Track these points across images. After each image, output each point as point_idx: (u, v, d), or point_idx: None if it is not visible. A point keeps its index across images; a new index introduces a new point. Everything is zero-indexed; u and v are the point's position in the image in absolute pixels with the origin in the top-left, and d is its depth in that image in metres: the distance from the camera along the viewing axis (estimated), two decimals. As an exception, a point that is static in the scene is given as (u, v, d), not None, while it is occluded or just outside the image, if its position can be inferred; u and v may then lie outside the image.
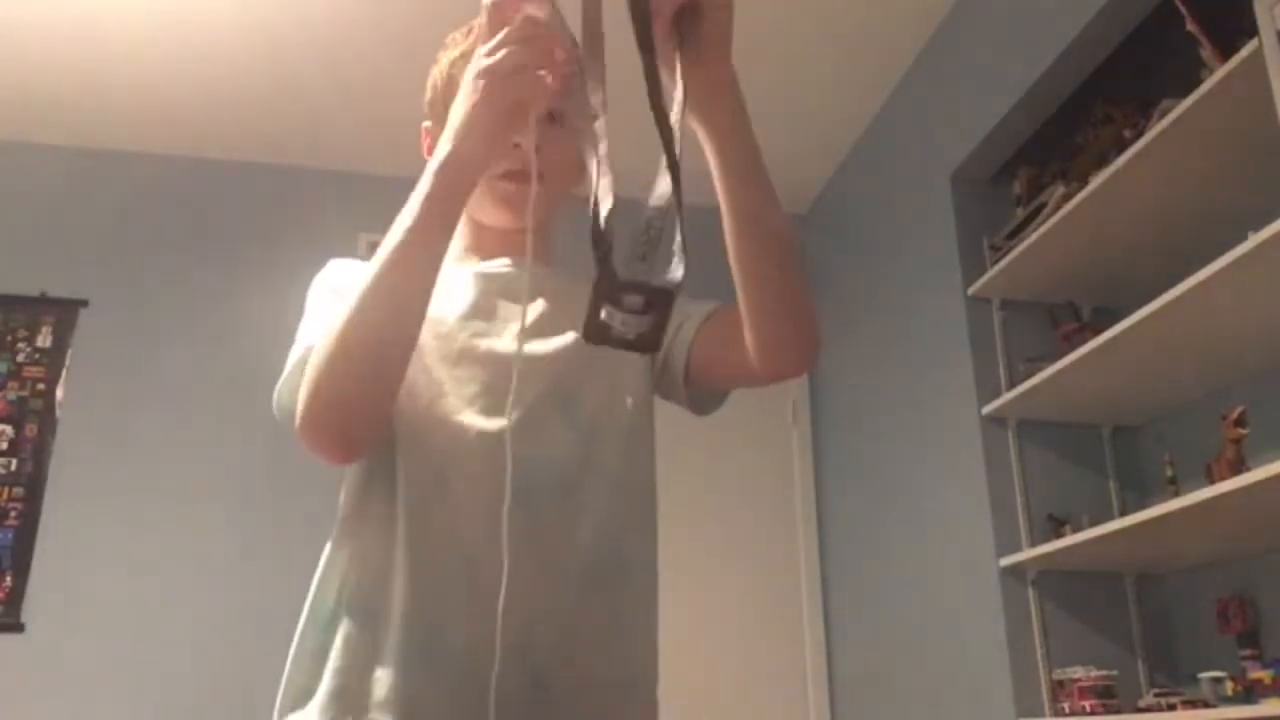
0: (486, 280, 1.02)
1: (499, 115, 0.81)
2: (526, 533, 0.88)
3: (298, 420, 0.85)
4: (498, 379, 0.93)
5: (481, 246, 1.06)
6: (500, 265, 1.04)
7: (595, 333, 0.68)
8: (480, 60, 0.81)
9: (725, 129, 0.83)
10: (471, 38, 1.01)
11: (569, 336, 0.98)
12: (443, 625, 0.86)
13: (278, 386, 0.93)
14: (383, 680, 0.85)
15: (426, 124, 1.07)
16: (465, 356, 0.95)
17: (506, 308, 0.99)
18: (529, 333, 0.96)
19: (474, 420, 0.92)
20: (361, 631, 0.88)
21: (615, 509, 0.94)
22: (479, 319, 0.98)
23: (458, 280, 1.02)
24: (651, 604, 0.96)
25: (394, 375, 0.85)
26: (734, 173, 0.85)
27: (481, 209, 1.04)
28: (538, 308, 1.01)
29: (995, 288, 2.47)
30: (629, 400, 0.99)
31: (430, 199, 0.82)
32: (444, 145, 0.82)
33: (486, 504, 0.88)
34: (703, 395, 1.02)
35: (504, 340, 0.96)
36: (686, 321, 1.00)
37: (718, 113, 0.82)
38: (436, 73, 1.05)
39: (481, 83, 0.80)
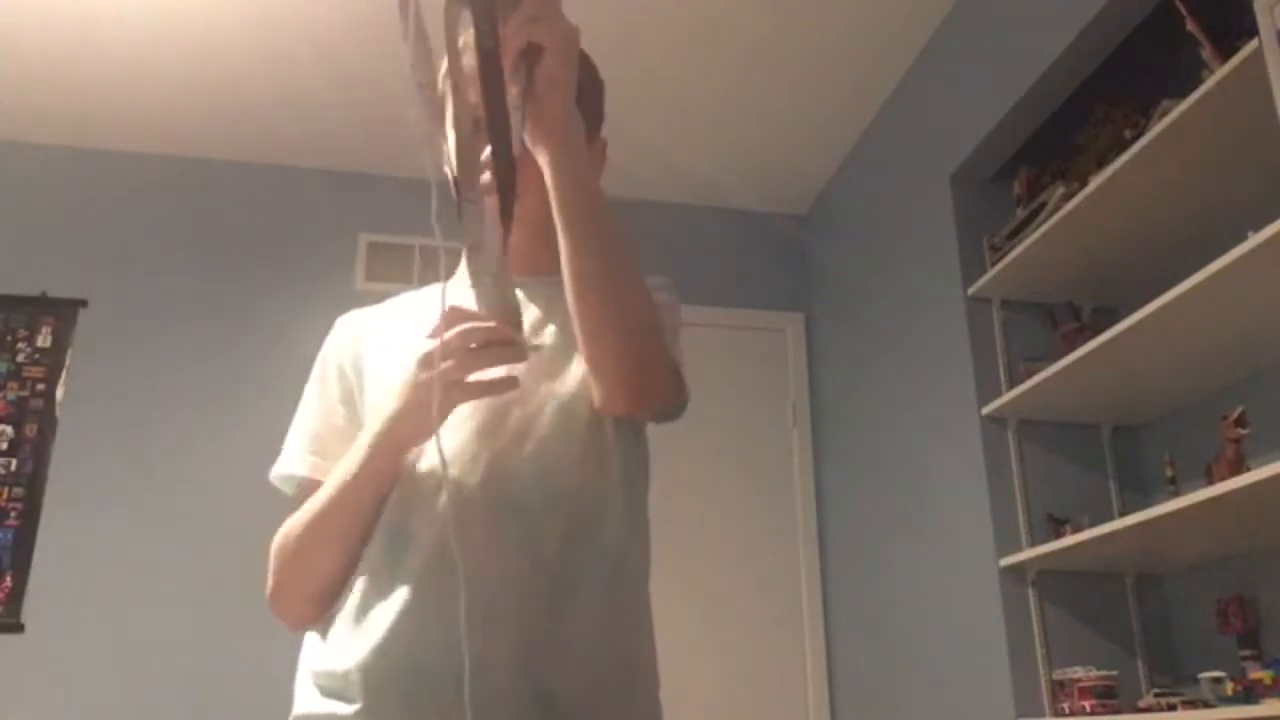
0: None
1: (430, 418, 0.85)
2: (524, 547, 0.89)
3: (268, 593, 0.97)
4: (493, 397, 0.94)
5: None
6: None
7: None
8: (430, 357, 0.86)
9: (549, 165, 0.87)
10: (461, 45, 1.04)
11: (570, 350, 0.98)
12: (435, 644, 0.86)
13: (273, 474, 1.04)
14: (374, 692, 0.86)
15: None
16: None
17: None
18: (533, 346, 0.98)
19: (467, 439, 0.93)
20: (348, 647, 0.89)
21: (611, 522, 0.94)
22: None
23: (458, 302, 1.03)
24: (647, 609, 0.97)
25: (333, 587, 0.94)
26: (558, 210, 0.87)
27: None
28: (540, 321, 1.01)
29: (995, 288, 2.47)
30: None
31: (366, 466, 0.91)
32: (385, 421, 0.90)
33: (479, 519, 0.89)
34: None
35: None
36: None
37: (541, 149, 0.86)
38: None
39: (423, 388, 0.86)
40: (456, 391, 0.85)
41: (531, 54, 0.82)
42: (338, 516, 0.92)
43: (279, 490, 1.04)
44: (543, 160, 0.86)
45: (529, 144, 0.86)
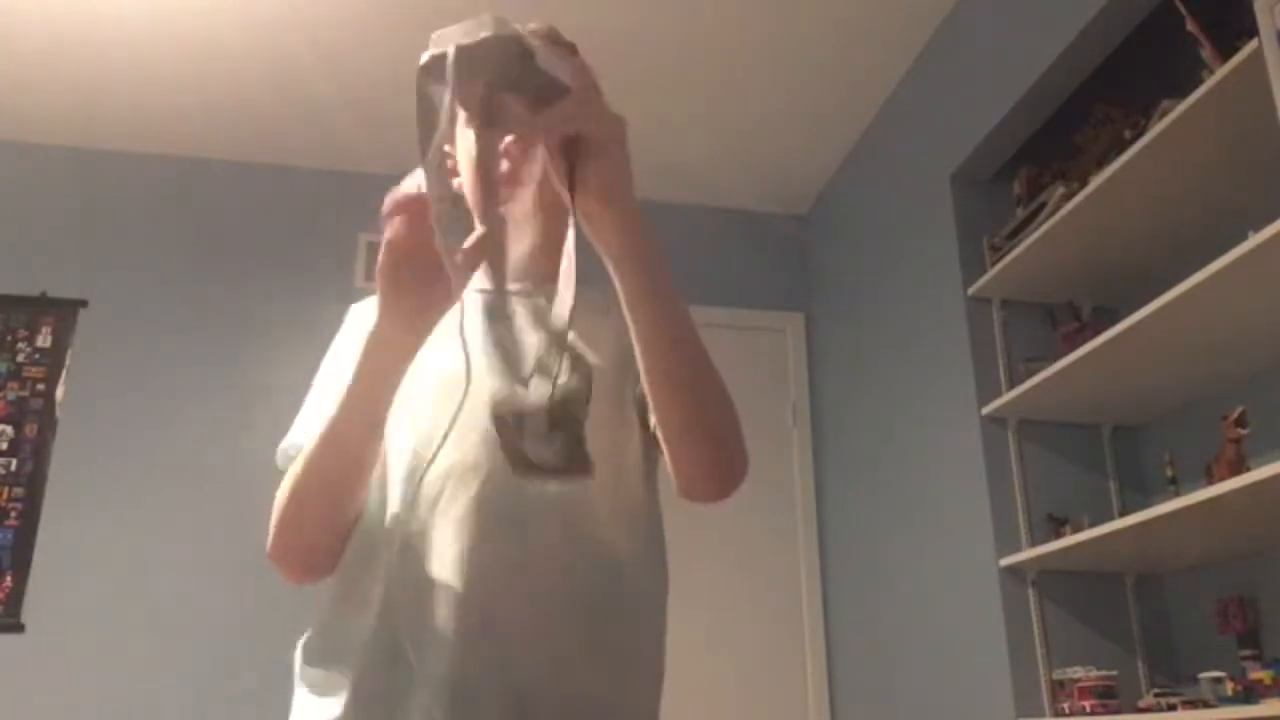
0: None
1: (406, 293, 0.80)
2: (519, 563, 0.88)
3: (268, 546, 0.92)
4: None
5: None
6: (514, 289, 1.04)
7: (523, 468, 0.71)
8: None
9: (619, 269, 0.81)
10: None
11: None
12: (425, 646, 0.86)
13: (279, 449, 1.01)
14: (350, 705, 0.87)
15: (445, 147, 1.07)
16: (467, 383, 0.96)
17: (515, 335, 1.00)
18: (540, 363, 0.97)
19: (471, 449, 0.92)
20: (338, 654, 0.90)
21: (616, 541, 0.93)
22: (486, 347, 0.99)
23: (471, 307, 1.03)
24: (654, 633, 0.95)
25: (341, 522, 0.92)
26: (632, 312, 0.82)
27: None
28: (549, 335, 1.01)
29: (995, 288, 2.47)
30: (633, 433, 0.99)
31: (362, 376, 0.86)
32: (375, 322, 0.83)
33: (478, 528, 0.89)
34: None
35: (507, 368, 0.96)
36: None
37: (610, 252, 0.80)
38: None
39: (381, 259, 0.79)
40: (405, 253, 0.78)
41: (580, 147, 0.75)
42: (348, 418, 0.87)
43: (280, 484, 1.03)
44: (610, 262, 0.81)
45: (594, 244, 0.80)
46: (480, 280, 1.07)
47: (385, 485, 0.94)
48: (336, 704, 0.88)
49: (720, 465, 0.88)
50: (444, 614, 0.86)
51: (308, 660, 0.93)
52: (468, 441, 0.92)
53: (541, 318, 1.02)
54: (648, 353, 0.84)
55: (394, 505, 0.92)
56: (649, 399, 0.86)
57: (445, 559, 0.88)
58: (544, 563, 0.89)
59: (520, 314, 1.02)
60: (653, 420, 0.96)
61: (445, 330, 1.03)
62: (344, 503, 0.91)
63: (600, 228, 0.79)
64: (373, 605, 0.89)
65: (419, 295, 0.80)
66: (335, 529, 0.92)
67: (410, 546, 0.90)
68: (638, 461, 0.98)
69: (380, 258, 0.78)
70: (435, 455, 0.92)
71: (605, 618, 0.90)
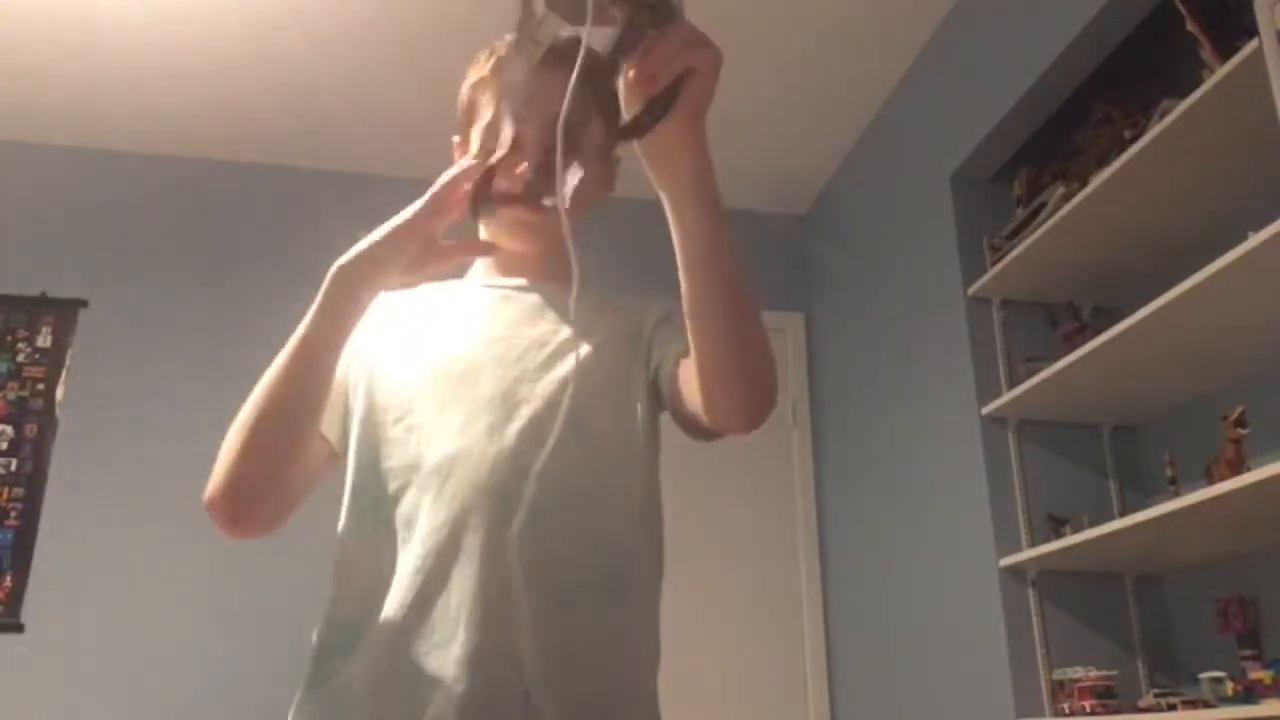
0: (501, 300, 1.05)
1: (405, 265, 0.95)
2: (528, 550, 0.89)
3: (207, 490, 0.95)
4: (501, 397, 0.95)
5: (503, 265, 1.08)
6: (516, 284, 1.06)
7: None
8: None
9: (688, 192, 0.80)
10: (491, 62, 1.05)
11: (583, 357, 0.99)
12: (431, 640, 0.87)
13: None
14: (363, 689, 0.87)
15: (455, 138, 1.10)
16: (472, 374, 0.97)
17: (517, 328, 1.01)
18: (545, 352, 0.99)
19: (476, 437, 0.93)
20: (349, 643, 0.90)
21: (620, 528, 0.94)
22: (489, 338, 1.01)
23: (473, 300, 1.06)
24: (653, 619, 0.96)
25: (279, 473, 0.95)
26: (697, 242, 0.82)
27: (498, 234, 1.06)
28: (554, 327, 1.01)
29: (995, 288, 2.47)
30: (637, 422, 0.99)
31: (323, 308, 0.92)
32: (351, 256, 0.95)
33: (483, 518, 0.89)
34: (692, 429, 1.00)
35: (511, 359, 0.98)
36: (668, 357, 0.99)
37: (683, 172, 0.79)
38: (463, 91, 1.08)
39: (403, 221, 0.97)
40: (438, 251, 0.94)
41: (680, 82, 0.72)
42: (294, 359, 0.92)
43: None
44: (674, 187, 0.80)
45: (656, 180, 0.80)
46: (486, 276, 1.09)
47: (388, 473, 0.94)
48: (345, 697, 0.88)
49: (762, 396, 0.87)
50: (454, 601, 0.87)
51: (319, 651, 0.93)
52: (473, 430, 0.93)
53: (541, 312, 1.03)
54: (705, 281, 0.84)
55: (398, 493, 0.93)
56: (694, 340, 0.85)
57: (451, 547, 0.89)
58: (552, 552, 0.90)
59: (521, 308, 1.03)
60: (664, 384, 0.98)
61: (448, 322, 1.04)
62: (308, 407, 0.93)
63: (680, 149, 0.77)
64: (382, 592, 0.90)
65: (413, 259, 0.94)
66: (286, 466, 0.94)
67: (414, 535, 0.90)
68: (642, 451, 0.99)
69: (428, 207, 0.95)
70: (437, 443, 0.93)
71: (610, 605, 0.91)
